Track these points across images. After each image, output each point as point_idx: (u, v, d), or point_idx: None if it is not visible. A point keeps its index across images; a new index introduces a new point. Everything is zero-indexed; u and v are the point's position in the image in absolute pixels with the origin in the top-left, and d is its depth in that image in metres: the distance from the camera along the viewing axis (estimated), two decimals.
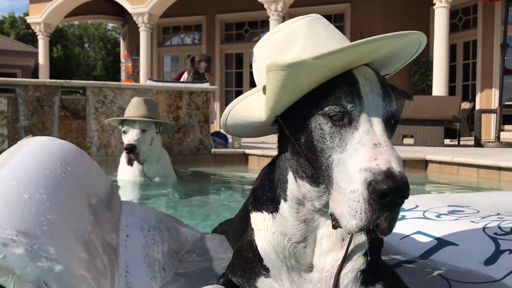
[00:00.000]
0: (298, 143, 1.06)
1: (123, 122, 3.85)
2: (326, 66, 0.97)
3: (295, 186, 1.10)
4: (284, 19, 12.35)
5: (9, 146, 4.84)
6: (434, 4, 10.28)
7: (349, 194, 0.93)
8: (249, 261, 1.21)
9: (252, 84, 13.12)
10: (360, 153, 0.93)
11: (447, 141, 9.48)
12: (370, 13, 13.62)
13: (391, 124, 1.02)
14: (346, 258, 1.10)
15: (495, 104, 11.18)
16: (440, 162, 4.73)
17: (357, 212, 0.91)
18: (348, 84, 0.99)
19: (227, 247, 1.69)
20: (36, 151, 1.40)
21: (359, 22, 13.81)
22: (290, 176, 1.12)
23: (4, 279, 0.85)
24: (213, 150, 5.92)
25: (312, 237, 1.13)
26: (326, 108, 0.99)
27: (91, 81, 5.43)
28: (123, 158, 3.93)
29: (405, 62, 1.16)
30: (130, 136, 3.78)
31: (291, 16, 14.36)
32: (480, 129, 8.05)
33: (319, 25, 1.15)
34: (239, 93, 16.01)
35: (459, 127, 9.19)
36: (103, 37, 34.46)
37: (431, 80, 10.66)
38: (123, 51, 19.02)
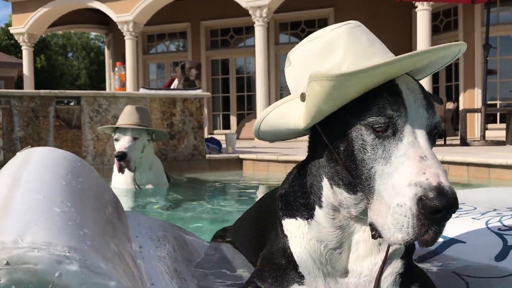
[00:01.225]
0: (336, 151, 1.04)
1: (116, 130, 3.89)
2: (374, 77, 0.96)
3: (331, 193, 1.08)
4: (269, 25, 12.46)
5: (5, 157, 4.86)
6: (416, 7, 10.50)
7: (395, 207, 0.91)
8: (281, 268, 1.19)
9: (239, 90, 13.23)
10: (407, 166, 0.92)
11: None
12: (353, 17, 13.67)
13: (433, 135, 1.00)
14: (385, 262, 1.10)
15: (478, 104, 11.41)
16: None
17: (403, 226, 0.91)
18: (392, 94, 0.97)
19: (236, 254, 1.65)
20: (45, 163, 1.33)
21: None
22: (326, 182, 1.09)
23: None
24: (207, 155, 5.99)
25: (347, 242, 1.13)
26: (370, 119, 0.97)
27: (86, 91, 5.47)
28: (115, 166, 3.98)
29: (441, 67, 1.15)
30: (122, 143, 3.81)
31: (276, 22, 14.54)
32: (465, 128, 8.22)
33: (361, 33, 1.11)
34: (226, 99, 16.06)
35: (444, 127, 9.39)
36: (86, 46, 34.29)
37: None
38: (108, 60, 18.95)
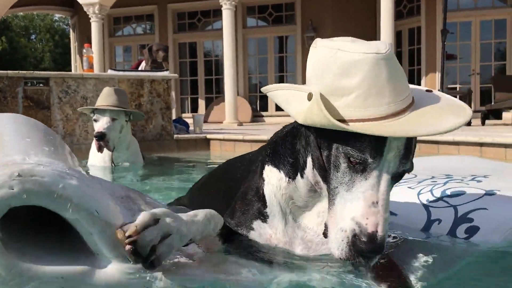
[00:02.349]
0: (321, 151, 1.18)
1: (94, 110, 4.01)
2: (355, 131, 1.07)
3: (311, 172, 1.25)
4: (236, 8, 12.52)
5: None
6: None
7: (339, 230, 1.09)
8: (251, 203, 1.37)
9: (207, 73, 13.20)
10: (359, 204, 1.07)
11: None
12: (320, 2, 13.98)
13: (399, 174, 1.14)
14: None
15: (438, 87, 11.83)
16: None
17: (339, 247, 1.09)
18: (378, 141, 1.07)
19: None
20: (15, 120, 1.47)
21: (309, 10, 14.16)
22: (309, 161, 1.24)
23: (63, 207, 0.94)
24: (175, 136, 6.13)
25: (313, 206, 1.30)
26: (349, 151, 1.09)
27: (54, 72, 5.51)
28: (94, 145, 4.10)
29: None
30: (100, 124, 3.93)
31: (243, 5, 14.57)
32: None
33: (385, 68, 1.10)
34: (194, 82, 16.06)
35: None
36: (50, 28, 33.42)
37: None
38: (73, 43, 18.64)
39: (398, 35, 13.67)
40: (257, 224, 1.35)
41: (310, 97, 1.12)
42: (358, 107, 1.08)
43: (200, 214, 1.18)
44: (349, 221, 1.07)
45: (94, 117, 3.99)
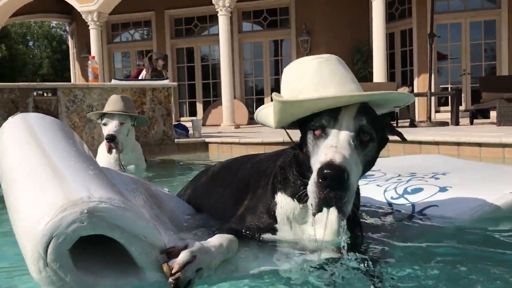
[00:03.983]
0: (302, 148, 1.44)
1: (103, 116, 4.33)
2: (304, 106, 1.38)
3: None
4: (232, 13, 12.78)
5: None
6: None
7: (311, 183, 1.27)
8: (262, 219, 1.58)
9: (205, 78, 13.41)
10: (321, 152, 1.29)
11: None
12: (313, 6, 14.24)
13: (364, 141, 1.35)
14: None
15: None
16: None
17: (311, 192, 1.26)
18: (331, 113, 1.36)
19: (189, 208, 2.04)
20: (47, 127, 1.73)
21: (303, 14, 14.41)
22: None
23: (119, 235, 1.16)
24: (176, 140, 6.46)
25: (319, 223, 1.49)
26: (311, 124, 1.39)
27: (62, 83, 5.83)
28: (101, 148, 4.40)
29: (398, 107, 1.53)
30: (110, 127, 4.24)
31: (239, 10, 14.83)
32: (414, 111, 8.86)
33: (326, 66, 1.45)
34: (191, 86, 16.30)
35: (399, 110, 9.95)
36: (47, 35, 33.55)
37: (372, 67, 11.40)
38: (71, 49, 18.89)
39: (390, 37, 13.92)
40: (267, 235, 1.58)
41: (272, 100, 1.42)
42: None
43: (224, 243, 1.39)
44: (315, 167, 1.27)
45: (104, 121, 4.29)
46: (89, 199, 1.16)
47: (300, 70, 1.48)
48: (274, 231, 1.57)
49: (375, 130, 1.37)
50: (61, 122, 1.88)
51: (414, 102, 8.88)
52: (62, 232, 1.10)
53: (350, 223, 1.49)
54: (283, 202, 1.56)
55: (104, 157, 4.36)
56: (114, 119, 4.26)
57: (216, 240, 1.40)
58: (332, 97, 1.35)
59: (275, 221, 1.57)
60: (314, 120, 1.38)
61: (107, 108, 4.31)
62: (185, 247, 1.27)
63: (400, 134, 1.49)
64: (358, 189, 1.59)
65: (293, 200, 1.54)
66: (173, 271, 1.21)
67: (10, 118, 1.84)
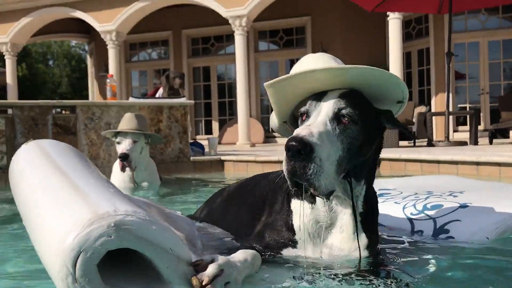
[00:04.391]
0: None
1: (117, 134, 4.36)
2: (287, 87, 1.50)
3: None
4: (248, 33, 12.91)
5: (7, 161, 5.26)
6: (388, 16, 11.08)
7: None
8: (281, 233, 1.58)
9: (221, 96, 13.55)
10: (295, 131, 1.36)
11: (404, 143, 10.16)
12: (329, 25, 14.33)
13: (343, 122, 1.39)
14: (355, 249, 1.50)
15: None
16: (390, 160, 5.40)
17: (283, 167, 1.33)
18: (316, 97, 1.47)
19: (209, 226, 2.02)
20: (62, 152, 1.75)
21: (319, 34, 14.51)
22: None
23: (146, 248, 1.14)
24: (192, 158, 6.47)
25: (336, 221, 1.52)
26: (299, 112, 1.50)
27: (81, 100, 5.92)
28: (116, 166, 4.43)
29: (398, 101, 1.56)
30: (124, 146, 4.27)
31: (255, 30, 14.98)
32: (432, 130, 8.78)
33: (312, 56, 1.71)
34: (208, 105, 16.45)
35: (416, 129, 9.85)
36: (67, 54, 34.23)
37: None
38: (90, 68, 19.21)
39: (407, 56, 13.91)
40: (286, 251, 1.57)
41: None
42: None
43: (248, 258, 1.39)
44: None
45: (117, 140, 4.33)
46: (115, 212, 1.15)
47: (298, 64, 1.69)
48: (294, 244, 1.57)
49: (359, 113, 1.40)
50: (74, 148, 1.91)
51: (432, 120, 8.80)
52: (90, 246, 1.09)
53: (366, 222, 1.53)
54: (296, 208, 1.58)
55: (118, 175, 4.39)
56: (127, 138, 4.29)
57: (241, 255, 1.40)
58: (305, 71, 1.43)
59: (293, 232, 1.57)
60: (301, 107, 1.49)
61: (121, 127, 4.35)
62: (212, 261, 1.26)
63: (403, 126, 1.50)
64: (373, 191, 1.61)
65: (303, 201, 1.56)
66: (203, 283, 1.20)
67: (23, 145, 1.86)
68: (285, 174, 1.32)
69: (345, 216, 1.51)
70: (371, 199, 1.58)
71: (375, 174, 1.62)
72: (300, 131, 1.30)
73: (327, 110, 1.41)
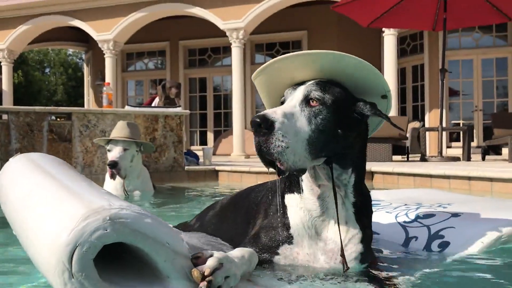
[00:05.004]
0: None
1: (109, 142, 4.37)
2: (269, 77, 1.61)
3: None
4: (245, 45, 13.01)
5: (1, 166, 5.23)
6: (384, 32, 11.22)
7: None
8: (277, 230, 1.59)
9: (216, 107, 13.62)
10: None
11: (398, 158, 10.21)
12: (325, 40, 14.46)
13: (312, 105, 1.46)
14: (348, 241, 1.54)
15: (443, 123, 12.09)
16: (383, 173, 5.46)
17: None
18: (295, 85, 1.57)
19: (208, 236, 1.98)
20: (50, 162, 1.78)
21: (315, 48, 14.53)
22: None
23: (142, 242, 1.14)
24: (186, 167, 6.48)
25: (328, 213, 1.54)
26: (280, 102, 1.59)
27: (76, 108, 5.94)
28: (107, 174, 4.44)
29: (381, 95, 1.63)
30: (113, 153, 4.28)
31: (252, 42, 15.10)
32: (425, 145, 8.84)
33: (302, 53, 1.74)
34: (203, 116, 16.50)
35: (410, 144, 9.91)
36: (63, 62, 34.23)
37: None
38: (86, 76, 19.25)
39: (402, 72, 14.04)
40: (283, 248, 1.57)
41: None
42: None
43: (246, 255, 1.40)
44: None
45: (108, 148, 4.35)
46: (110, 206, 1.15)
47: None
48: (290, 239, 1.58)
49: (330, 96, 1.48)
50: (62, 159, 1.95)
51: (425, 136, 8.87)
52: (86, 240, 1.08)
53: (358, 214, 1.57)
54: (289, 200, 1.62)
55: (110, 183, 4.39)
56: (118, 145, 4.31)
57: (238, 252, 1.41)
58: (282, 57, 1.54)
59: (289, 226, 1.59)
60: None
61: (113, 134, 4.37)
62: (211, 255, 1.27)
63: (385, 116, 1.54)
64: (366, 187, 1.65)
65: (294, 193, 1.62)
66: (205, 274, 1.20)
67: (11, 159, 1.87)
68: (255, 148, 1.40)
69: (338, 210, 1.52)
70: (363, 191, 1.62)
71: (365, 167, 1.65)
72: (267, 111, 1.39)
73: (299, 94, 1.50)
